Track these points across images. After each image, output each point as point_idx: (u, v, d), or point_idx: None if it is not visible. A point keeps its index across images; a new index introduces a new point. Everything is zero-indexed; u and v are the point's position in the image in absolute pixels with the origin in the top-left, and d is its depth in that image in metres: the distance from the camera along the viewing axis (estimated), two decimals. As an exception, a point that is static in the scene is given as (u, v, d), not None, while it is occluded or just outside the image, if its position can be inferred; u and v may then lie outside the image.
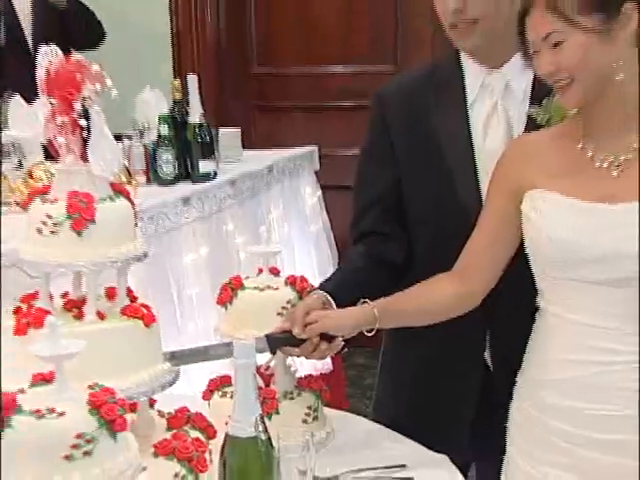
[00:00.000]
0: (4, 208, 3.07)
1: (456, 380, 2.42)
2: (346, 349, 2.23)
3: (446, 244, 2.29)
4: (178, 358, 2.13)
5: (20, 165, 3.32)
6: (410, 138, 2.43)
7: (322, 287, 2.30)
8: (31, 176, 3.21)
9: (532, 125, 2.27)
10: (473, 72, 2.38)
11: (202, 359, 2.24)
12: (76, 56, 1.95)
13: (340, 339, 2.20)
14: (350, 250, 2.49)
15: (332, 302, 2.22)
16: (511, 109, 2.35)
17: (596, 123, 2.03)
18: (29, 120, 3.15)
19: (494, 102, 2.36)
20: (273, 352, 2.20)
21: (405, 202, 2.44)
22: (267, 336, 2.17)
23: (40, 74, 1.92)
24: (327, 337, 2.16)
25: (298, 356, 2.23)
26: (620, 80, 1.95)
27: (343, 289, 2.28)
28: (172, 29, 5.93)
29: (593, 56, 1.93)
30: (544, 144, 2.12)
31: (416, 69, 2.70)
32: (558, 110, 2.20)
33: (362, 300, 2.18)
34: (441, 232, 2.38)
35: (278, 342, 2.17)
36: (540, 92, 2.26)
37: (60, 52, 1.93)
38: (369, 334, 2.19)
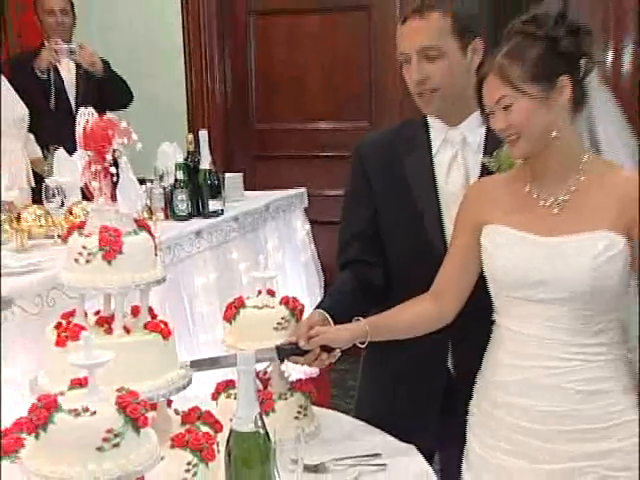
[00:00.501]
0: (50, 240, 3.08)
1: (424, 384, 2.42)
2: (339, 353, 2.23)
3: (415, 269, 2.32)
4: (197, 365, 2.13)
5: (62, 204, 3.32)
6: (385, 182, 2.43)
7: (320, 307, 2.30)
8: (71, 213, 3.21)
9: (485, 171, 2.30)
10: (437, 128, 2.40)
11: (216, 367, 2.23)
12: (108, 115, 1.96)
13: (338, 350, 2.20)
14: (339, 275, 2.47)
15: (330, 319, 2.22)
16: (468, 158, 2.37)
17: (540, 170, 2.06)
18: (70, 168, 3.16)
19: (454, 153, 2.38)
20: (281, 360, 2.21)
21: (382, 235, 2.45)
22: (277, 347, 2.18)
23: (79, 131, 1.93)
24: (327, 349, 2.18)
25: (302, 364, 2.22)
26: (558, 137, 1.98)
27: (339, 308, 2.27)
28: (187, 93, 5.95)
29: (535, 117, 1.97)
30: (498, 187, 2.15)
31: (389, 127, 2.72)
32: (506, 159, 2.23)
33: (355, 317, 2.19)
34: (411, 260, 2.39)
35: (286, 352, 2.18)
36: (491, 144, 2.30)
37: (95, 113, 1.94)
38: (362, 346, 2.19)
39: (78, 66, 4.89)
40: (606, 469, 1.98)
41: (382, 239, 2.45)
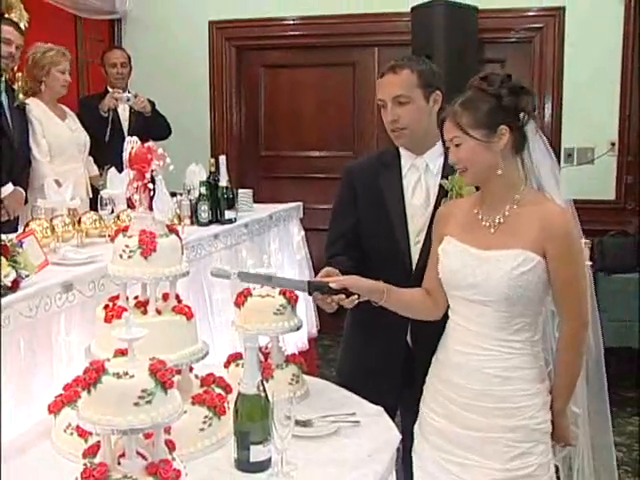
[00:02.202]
0: (102, 239, 3.07)
1: (388, 353, 2.44)
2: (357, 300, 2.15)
3: (386, 262, 2.38)
4: (243, 277, 2.18)
5: (112, 212, 3.31)
6: (365, 195, 2.48)
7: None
8: (118, 218, 3.19)
9: (442, 191, 2.35)
10: (406, 156, 2.45)
11: (259, 282, 2.22)
12: (148, 143, 1.96)
13: (355, 297, 2.14)
14: (331, 262, 2.41)
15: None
16: (429, 180, 2.42)
17: (486, 197, 2.07)
18: (119, 183, 3.15)
19: (419, 176, 2.43)
20: (310, 293, 2.16)
21: (361, 236, 2.47)
22: (308, 282, 2.18)
23: (125, 155, 1.93)
24: (347, 293, 2.12)
25: (323, 301, 2.17)
26: (500, 174, 2.00)
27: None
28: (211, 126, 5.95)
29: (479, 156, 1.99)
30: (460, 208, 2.15)
31: (370, 154, 2.77)
32: (457, 182, 2.28)
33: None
34: (383, 255, 2.42)
35: (314, 287, 2.14)
36: (447, 170, 2.34)
37: (139, 141, 1.94)
38: (375, 304, 2.16)
39: (131, 107, 4.93)
40: (511, 440, 2.00)
41: (361, 240, 2.47)
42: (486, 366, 2.02)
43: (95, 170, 4.53)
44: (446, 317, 2.16)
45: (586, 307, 2.03)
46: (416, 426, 2.20)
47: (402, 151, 2.45)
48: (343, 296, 2.13)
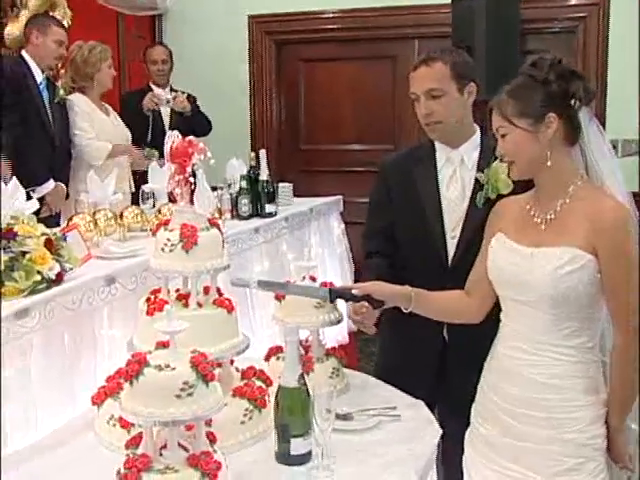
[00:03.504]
0: (144, 233, 3.09)
1: (425, 350, 2.41)
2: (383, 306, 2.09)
3: (420, 257, 2.37)
4: (263, 285, 2.15)
5: (153, 206, 3.34)
6: (399, 189, 2.45)
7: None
8: (160, 212, 3.22)
9: (477, 184, 2.30)
10: (441, 150, 2.41)
11: (279, 290, 2.19)
12: (189, 138, 1.96)
13: (377, 312, 2.11)
14: (368, 262, 2.45)
15: None
16: (464, 174, 2.37)
17: (538, 192, 1.95)
18: (161, 177, 3.18)
19: (454, 169, 2.39)
20: (332, 301, 2.11)
21: (396, 231, 2.45)
22: (330, 289, 2.11)
23: (167, 149, 1.93)
24: (370, 300, 2.05)
25: (360, 325, 2.17)
26: (549, 166, 1.87)
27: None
28: (251, 121, 5.96)
29: (525, 147, 1.88)
30: (515, 203, 2.02)
31: (404, 148, 2.73)
32: (493, 175, 2.22)
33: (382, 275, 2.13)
34: (417, 249, 2.40)
35: (337, 294, 2.09)
36: (482, 164, 2.30)
37: (180, 136, 1.95)
38: (405, 311, 2.08)
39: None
40: (558, 454, 1.86)
41: (396, 235, 2.45)
42: (532, 372, 1.89)
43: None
44: (485, 318, 2.06)
45: None
46: (467, 433, 2.08)
47: (437, 144, 2.42)
48: (366, 303, 2.07)
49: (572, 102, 1.87)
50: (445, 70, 2.29)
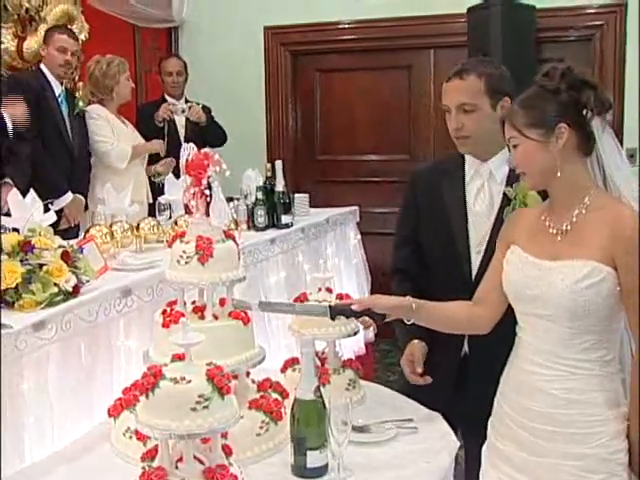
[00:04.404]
0: (160, 245, 3.10)
1: (445, 363, 2.34)
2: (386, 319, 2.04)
3: (446, 272, 2.32)
4: (264, 306, 2.13)
5: (170, 217, 3.36)
6: (426, 200, 2.43)
7: None
8: (176, 224, 3.24)
9: (505, 199, 2.26)
10: (470, 163, 2.37)
11: (279, 311, 2.20)
12: (205, 149, 1.97)
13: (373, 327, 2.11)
14: (394, 281, 2.45)
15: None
16: (492, 188, 2.32)
17: (552, 202, 1.92)
18: (177, 189, 3.19)
19: (482, 183, 2.34)
20: (332, 318, 2.06)
21: (422, 243, 2.43)
22: (329, 306, 2.06)
23: (182, 161, 1.94)
24: (371, 314, 2.01)
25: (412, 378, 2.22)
26: (561, 176, 1.83)
27: None
28: (267, 131, 5.96)
29: (536, 158, 1.85)
30: (530, 215, 1.98)
31: (432, 160, 2.71)
32: (522, 191, 2.15)
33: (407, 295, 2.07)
34: (443, 264, 2.36)
35: (336, 311, 2.03)
36: (511, 179, 2.25)
37: (195, 147, 1.95)
38: (408, 323, 2.05)
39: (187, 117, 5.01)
40: (579, 470, 1.80)
41: (422, 247, 2.43)
42: (551, 387, 1.83)
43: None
44: (506, 329, 1.99)
45: None
46: (484, 447, 2.03)
47: (466, 157, 2.38)
48: (367, 318, 2.03)
49: (584, 112, 1.83)
50: (479, 84, 2.24)
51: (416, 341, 2.29)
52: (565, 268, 1.81)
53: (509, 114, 1.90)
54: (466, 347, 2.34)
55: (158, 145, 4.56)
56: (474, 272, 2.29)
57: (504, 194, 2.27)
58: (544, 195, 2.02)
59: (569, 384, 1.83)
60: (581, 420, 1.81)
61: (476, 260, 2.29)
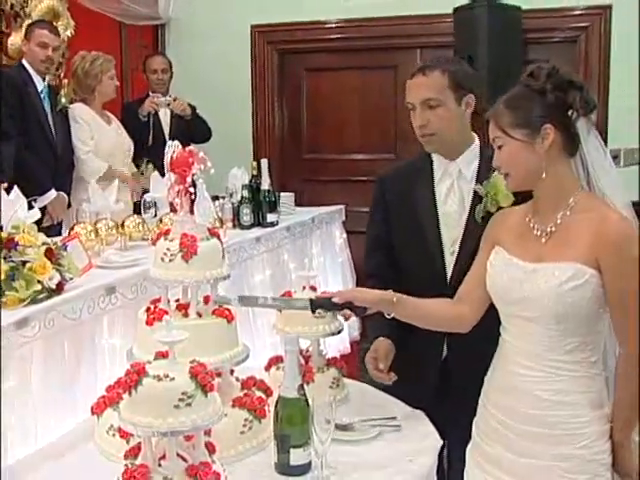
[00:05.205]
0: (145, 242, 3.09)
1: (425, 363, 2.35)
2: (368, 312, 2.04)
3: (419, 272, 2.30)
4: (243, 301, 2.10)
5: (155, 215, 3.35)
6: (396, 204, 2.39)
7: None
8: (161, 222, 3.23)
9: (476, 197, 2.24)
10: (438, 162, 2.34)
11: (259, 306, 2.22)
12: (189, 147, 1.97)
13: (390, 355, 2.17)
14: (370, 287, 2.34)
15: None
16: (462, 186, 2.30)
17: (537, 204, 1.90)
18: (162, 186, 3.18)
19: (452, 182, 2.32)
20: (313, 312, 2.03)
21: (394, 245, 2.40)
22: (310, 299, 2.05)
23: (167, 159, 1.94)
24: (352, 307, 2.00)
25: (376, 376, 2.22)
26: (544, 178, 1.82)
27: None
28: (253, 130, 5.97)
29: (520, 159, 1.83)
30: (515, 215, 1.97)
31: (402, 160, 2.69)
32: (492, 187, 2.16)
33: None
34: (415, 264, 2.34)
35: (316, 305, 2.03)
36: (481, 176, 2.24)
37: (180, 145, 1.95)
38: (388, 317, 2.02)
39: (172, 111, 4.99)
40: (565, 471, 1.80)
41: (394, 250, 2.40)
42: (536, 388, 1.83)
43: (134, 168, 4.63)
44: (483, 328, 1.99)
45: None
46: (468, 447, 2.02)
47: (434, 156, 2.35)
48: (348, 311, 2.03)
49: (569, 113, 1.82)
50: (443, 80, 2.22)
51: (382, 338, 2.26)
52: (549, 270, 1.80)
53: (494, 114, 1.88)
54: (445, 348, 2.32)
55: (134, 186, 4.44)
56: (449, 273, 2.27)
57: (475, 192, 2.25)
58: (516, 194, 2.01)
59: (554, 385, 1.82)
60: (566, 421, 1.81)
61: (450, 261, 2.28)
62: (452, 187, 2.31)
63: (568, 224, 1.83)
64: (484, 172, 2.17)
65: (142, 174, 4.46)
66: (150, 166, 4.33)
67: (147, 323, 1.92)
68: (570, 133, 1.83)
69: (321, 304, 2.03)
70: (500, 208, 2.14)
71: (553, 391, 1.82)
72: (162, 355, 1.66)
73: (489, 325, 1.97)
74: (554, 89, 1.81)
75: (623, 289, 1.76)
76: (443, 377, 2.33)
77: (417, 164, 2.41)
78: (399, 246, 2.40)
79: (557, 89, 1.81)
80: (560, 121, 1.81)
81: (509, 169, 1.87)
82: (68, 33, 4.67)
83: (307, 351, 2.26)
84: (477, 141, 2.34)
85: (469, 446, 2.02)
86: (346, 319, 2.16)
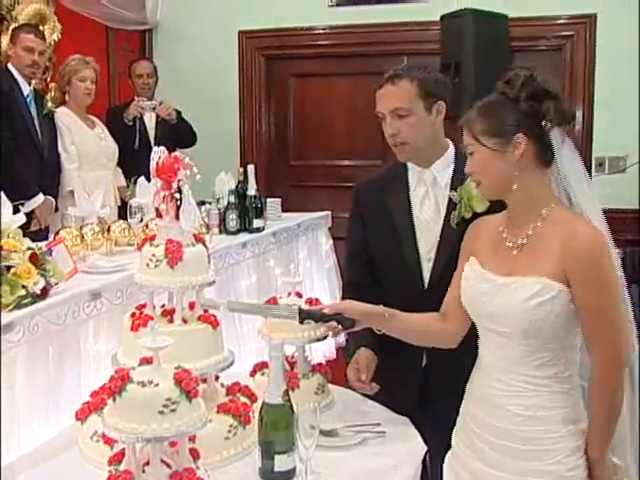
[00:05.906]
0: (131, 248, 3.07)
1: (406, 372, 2.33)
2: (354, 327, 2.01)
3: (396, 280, 2.29)
4: (231, 306, 2.12)
5: (141, 220, 3.34)
6: (372, 213, 2.38)
7: None
8: (147, 227, 3.22)
9: (451, 204, 2.23)
10: (413, 170, 2.33)
11: (248, 312, 2.23)
12: (175, 152, 1.97)
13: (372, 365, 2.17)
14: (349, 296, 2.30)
15: None
16: (437, 193, 2.29)
17: (510, 214, 1.87)
18: (148, 192, 3.17)
19: (426, 189, 2.30)
20: (301, 322, 2.00)
21: (371, 254, 2.39)
22: (299, 308, 2.04)
23: (152, 164, 1.94)
24: (340, 320, 1.97)
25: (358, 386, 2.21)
26: (515, 188, 1.79)
27: None
28: (240, 135, 5.97)
29: (491, 167, 1.80)
30: (490, 224, 1.93)
31: (378, 170, 2.66)
32: (466, 194, 2.16)
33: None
34: (392, 272, 2.32)
35: (305, 314, 2.01)
36: (455, 182, 2.23)
37: (166, 151, 1.95)
38: (379, 332, 2.01)
39: (157, 115, 4.97)
40: None
41: (372, 260, 2.39)
42: (508, 403, 1.80)
43: (122, 181, 4.59)
44: (463, 341, 1.99)
45: (620, 341, 1.74)
46: (448, 454, 2.01)
47: (409, 164, 2.33)
48: (335, 323, 1.99)
49: (543, 123, 1.78)
50: (411, 88, 2.19)
51: (363, 349, 2.25)
52: (517, 284, 1.77)
53: (467, 121, 1.85)
54: (425, 360, 2.31)
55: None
56: (426, 280, 2.26)
57: (449, 199, 2.25)
58: (492, 200, 1.98)
59: (526, 401, 1.79)
60: (538, 437, 1.78)
61: (427, 268, 2.27)
62: (427, 194, 2.30)
63: (539, 236, 1.79)
64: (458, 178, 2.16)
65: (127, 187, 4.43)
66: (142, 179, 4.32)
67: (132, 329, 1.92)
68: (544, 143, 1.78)
69: (309, 314, 2.02)
70: (475, 213, 2.13)
71: (524, 406, 1.79)
72: (147, 361, 1.65)
73: (467, 337, 1.97)
74: (528, 98, 1.77)
75: (592, 302, 1.72)
76: (423, 389, 2.31)
77: (392, 173, 2.40)
78: (376, 255, 2.38)
79: (531, 98, 1.77)
80: (533, 131, 1.77)
81: (480, 177, 1.85)
82: (55, 37, 4.66)
83: (292, 357, 2.26)
84: (452, 147, 2.32)
85: (448, 453, 2.01)
86: (334, 335, 2.14)
